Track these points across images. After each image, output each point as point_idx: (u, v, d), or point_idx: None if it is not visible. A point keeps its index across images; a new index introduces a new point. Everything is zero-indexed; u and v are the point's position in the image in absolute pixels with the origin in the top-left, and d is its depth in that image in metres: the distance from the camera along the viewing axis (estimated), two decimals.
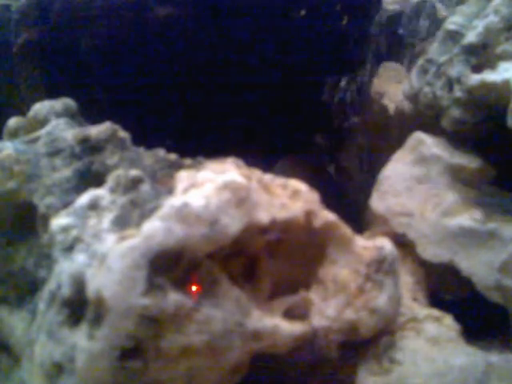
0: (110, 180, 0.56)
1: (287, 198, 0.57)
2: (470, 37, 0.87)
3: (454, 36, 0.92)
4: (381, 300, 0.58)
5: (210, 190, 0.51)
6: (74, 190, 0.61)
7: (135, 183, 0.55)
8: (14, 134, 0.73)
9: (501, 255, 0.72)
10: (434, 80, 0.92)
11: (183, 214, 0.49)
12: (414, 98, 0.96)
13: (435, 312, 0.66)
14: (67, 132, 0.67)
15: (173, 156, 0.62)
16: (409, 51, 1.34)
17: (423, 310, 0.67)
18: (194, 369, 0.50)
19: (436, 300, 0.77)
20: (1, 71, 1.09)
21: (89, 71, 0.97)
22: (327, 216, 0.59)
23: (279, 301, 0.57)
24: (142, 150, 0.65)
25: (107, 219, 0.52)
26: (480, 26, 0.87)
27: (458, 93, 0.85)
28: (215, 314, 0.50)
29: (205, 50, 0.97)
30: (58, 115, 0.71)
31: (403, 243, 0.80)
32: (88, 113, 0.77)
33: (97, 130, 0.66)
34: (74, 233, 0.52)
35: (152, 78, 0.97)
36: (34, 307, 0.57)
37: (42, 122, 0.71)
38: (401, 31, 1.36)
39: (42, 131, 0.68)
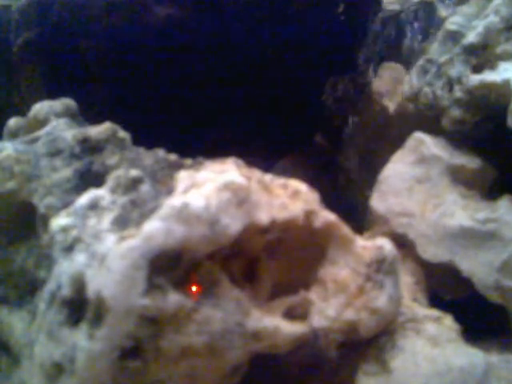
0: (110, 180, 0.56)
1: (287, 198, 0.57)
2: (470, 37, 0.87)
3: (455, 36, 0.92)
4: (381, 300, 0.58)
5: (210, 190, 0.51)
6: (73, 190, 0.61)
7: (135, 183, 0.55)
8: (14, 134, 0.73)
9: (501, 255, 0.72)
10: (434, 80, 0.92)
11: (183, 215, 0.49)
12: (414, 98, 0.96)
13: (435, 312, 0.66)
14: (67, 132, 0.66)
15: (173, 156, 0.62)
16: (409, 51, 1.34)
17: (423, 310, 0.67)
18: (193, 369, 0.50)
19: (436, 300, 0.77)
20: (1, 71, 1.09)
21: (89, 71, 0.97)
22: (327, 216, 0.59)
23: (279, 301, 0.57)
24: (142, 150, 0.65)
25: (107, 219, 0.52)
26: (480, 26, 0.87)
27: (458, 93, 0.85)
28: (215, 315, 0.50)
29: (205, 50, 0.97)
30: (58, 115, 0.71)
31: (403, 243, 0.80)
32: (88, 113, 0.77)
33: (97, 130, 0.66)
34: (73, 233, 0.52)
35: (152, 78, 0.97)
36: (33, 307, 0.57)
37: (42, 122, 0.71)
38: (401, 31, 1.36)
39: (42, 131, 0.68)
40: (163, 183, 0.57)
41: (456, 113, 0.85)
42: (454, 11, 0.97)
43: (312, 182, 0.61)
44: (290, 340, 0.54)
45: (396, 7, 1.35)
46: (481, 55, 0.86)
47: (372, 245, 0.61)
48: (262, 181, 0.57)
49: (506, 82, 0.78)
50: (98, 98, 0.98)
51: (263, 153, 1.12)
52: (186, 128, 1.02)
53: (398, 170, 0.86)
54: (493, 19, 0.86)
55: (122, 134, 0.67)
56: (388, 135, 1.12)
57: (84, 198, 0.55)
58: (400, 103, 1.06)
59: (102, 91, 0.98)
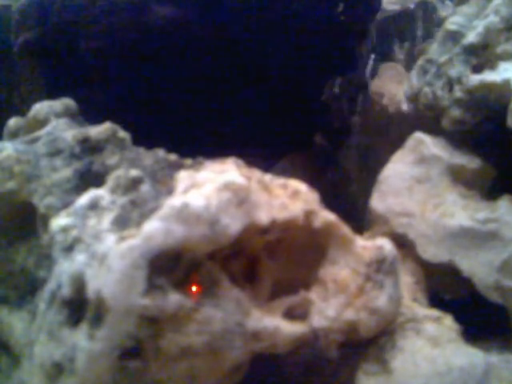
0: (110, 180, 0.56)
1: (287, 198, 0.57)
2: (471, 37, 0.87)
3: (454, 36, 0.92)
4: (381, 300, 0.58)
5: (210, 190, 0.51)
6: (73, 190, 0.61)
7: (135, 183, 0.55)
8: (14, 134, 0.73)
9: (501, 255, 0.72)
10: (434, 80, 0.92)
11: (183, 215, 0.49)
12: (414, 98, 0.96)
13: (435, 312, 0.66)
14: (67, 132, 0.66)
15: (173, 156, 0.62)
16: (409, 51, 1.34)
17: (423, 310, 0.67)
18: (194, 369, 0.50)
19: (436, 300, 0.77)
20: (1, 71, 1.09)
21: (89, 71, 0.97)
22: (327, 216, 0.59)
23: (279, 301, 0.57)
24: (142, 150, 0.65)
25: (107, 219, 0.52)
26: (480, 26, 0.87)
27: (458, 93, 0.85)
28: (215, 314, 0.50)
29: (204, 50, 0.96)
30: (58, 115, 0.71)
31: (403, 243, 0.80)
32: (88, 113, 0.77)
33: (97, 130, 0.66)
34: (73, 233, 0.52)
35: (152, 78, 0.97)
36: (34, 307, 0.57)
37: (42, 122, 0.71)
38: (401, 31, 1.36)
39: (42, 131, 0.68)
40: (163, 183, 0.57)
41: (456, 113, 0.85)
42: (454, 11, 0.97)
43: (312, 182, 0.61)
44: (290, 340, 0.54)
45: (396, 7, 1.35)
46: (481, 55, 0.86)
47: (372, 245, 0.61)
48: (261, 181, 0.57)
49: (506, 82, 0.78)
50: (98, 98, 0.98)
51: (263, 153, 1.12)
52: (186, 128, 1.02)
53: (397, 169, 0.86)
54: (493, 19, 0.86)
55: (122, 134, 0.67)
56: (388, 135, 1.12)
57: (84, 198, 0.55)
58: (400, 103, 1.06)
59: (102, 91, 0.98)
